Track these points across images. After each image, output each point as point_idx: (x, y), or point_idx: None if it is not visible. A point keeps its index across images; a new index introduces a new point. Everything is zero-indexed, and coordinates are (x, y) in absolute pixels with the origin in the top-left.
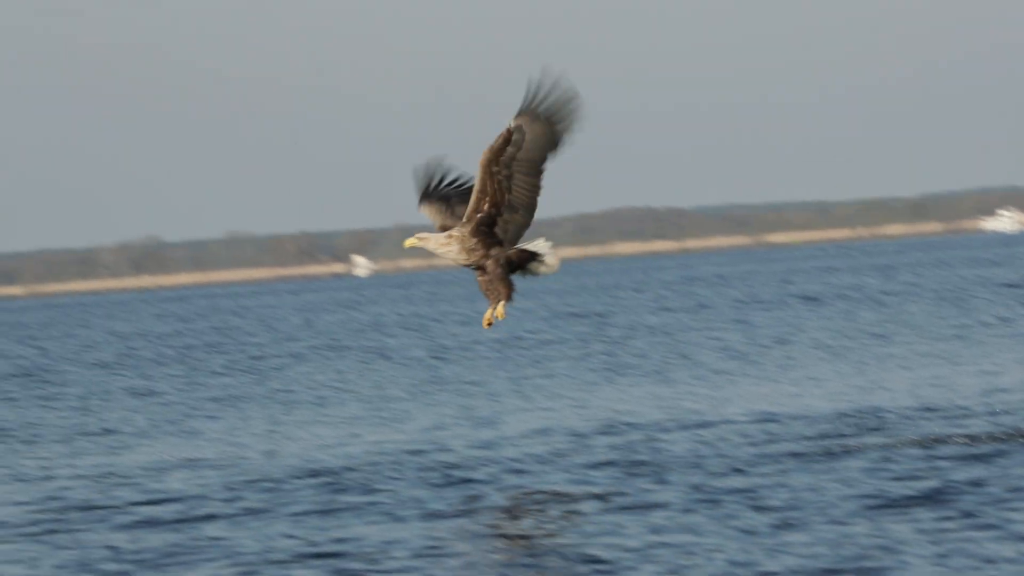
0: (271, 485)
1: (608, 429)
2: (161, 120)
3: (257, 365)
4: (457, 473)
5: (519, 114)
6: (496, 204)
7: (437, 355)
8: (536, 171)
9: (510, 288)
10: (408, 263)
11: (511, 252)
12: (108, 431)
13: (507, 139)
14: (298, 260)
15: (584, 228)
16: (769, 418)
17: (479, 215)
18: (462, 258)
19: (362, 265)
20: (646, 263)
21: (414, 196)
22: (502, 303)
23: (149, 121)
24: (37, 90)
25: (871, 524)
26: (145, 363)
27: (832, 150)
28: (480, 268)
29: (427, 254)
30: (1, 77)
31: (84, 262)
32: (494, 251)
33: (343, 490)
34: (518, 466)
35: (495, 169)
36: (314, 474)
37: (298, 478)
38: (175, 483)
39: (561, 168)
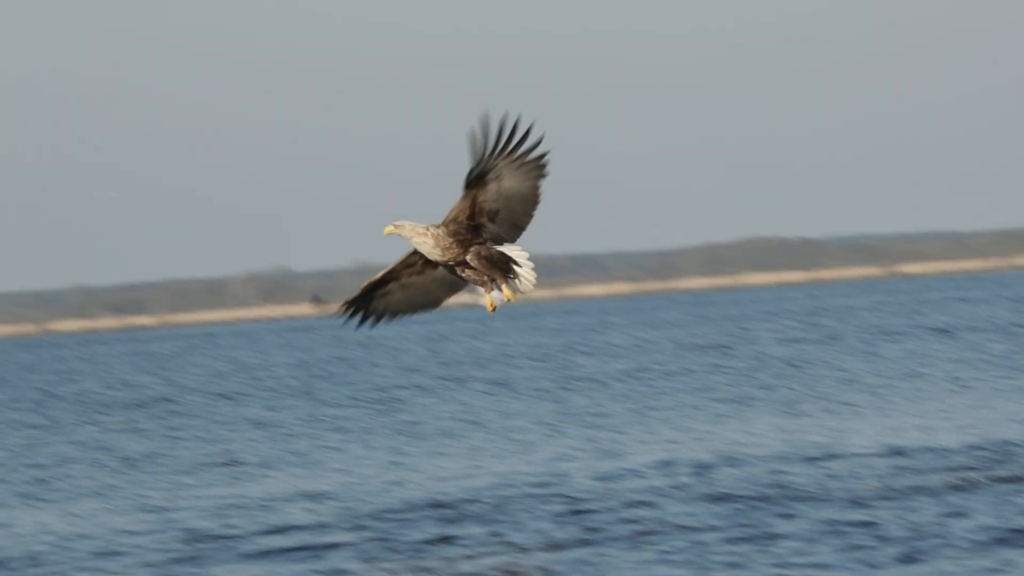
0: (393, 516)
1: (732, 461)
2: (288, 151)
3: (382, 396)
4: (579, 505)
5: (481, 162)
6: (476, 226)
7: (563, 386)
8: (526, 203)
9: (506, 269)
10: (537, 293)
11: (492, 251)
12: (233, 462)
13: (480, 178)
14: None
15: (713, 258)
16: (896, 451)
17: (455, 225)
18: (436, 254)
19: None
20: (775, 293)
21: (540, 226)
22: (507, 287)
23: (277, 151)
24: (165, 124)
25: (996, 558)
26: (270, 393)
27: (967, 180)
28: (460, 264)
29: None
30: (131, 110)
31: (213, 292)
32: (474, 248)
33: (464, 521)
34: (640, 498)
35: (480, 200)
36: (436, 505)
37: (420, 509)
38: (298, 513)
39: (690, 197)
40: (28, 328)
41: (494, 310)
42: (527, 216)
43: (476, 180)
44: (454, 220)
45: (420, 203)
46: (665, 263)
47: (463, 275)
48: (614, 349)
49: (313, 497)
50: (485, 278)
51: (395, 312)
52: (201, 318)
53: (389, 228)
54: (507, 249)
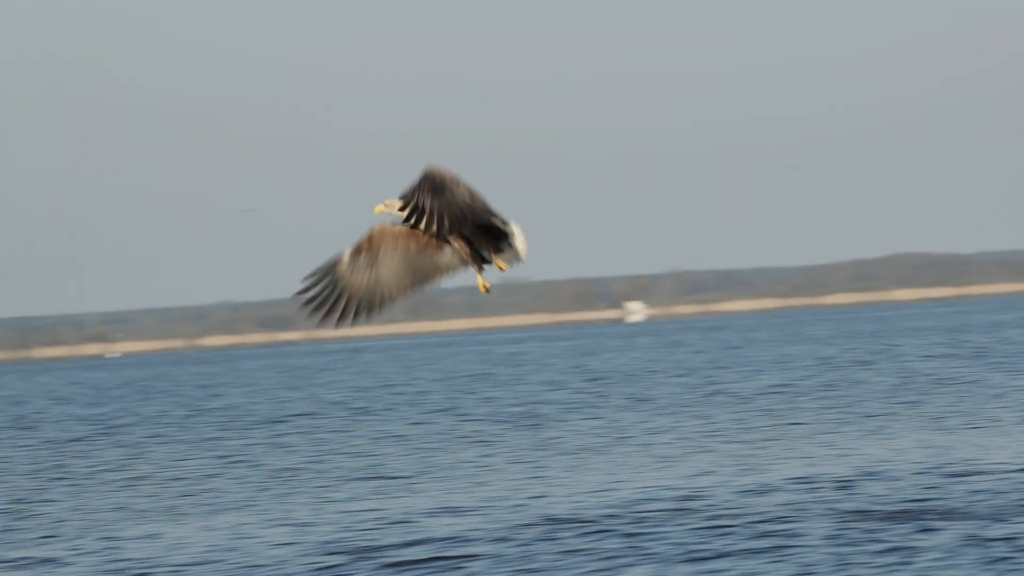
0: (533, 530)
1: (875, 476)
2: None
3: (525, 411)
4: (719, 520)
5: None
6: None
7: (706, 402)
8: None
9: (496, 241)
10: (683, 309)
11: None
12: (376, 476)
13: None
14: (573, 306)
15: (861, 275)
16: None
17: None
18: (422, 232)
19: (636, 311)
20: (922, 309)
21: (687, 241)
22: (499, 260)
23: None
24: (311, 141)
25: None
26: (413, 408)
27: None
28: (447, 243)
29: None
30: (274, 126)
31: None
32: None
33: (603, 535)
34: (782, 513)
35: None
36: (576, 520)
37: (560, 523)
38: (439, 527)
39: (838, 213)
40: (178, 343)
41: (487, 291)
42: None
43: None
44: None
45: (567, 219)
46: (812, 279)
47: (454, 246)
48: (758, 364)
49: (454, 511)
50: (471, 257)
51: (382, 295)
52: (347, 333)
53: (379, 208)
54: (496, 222)
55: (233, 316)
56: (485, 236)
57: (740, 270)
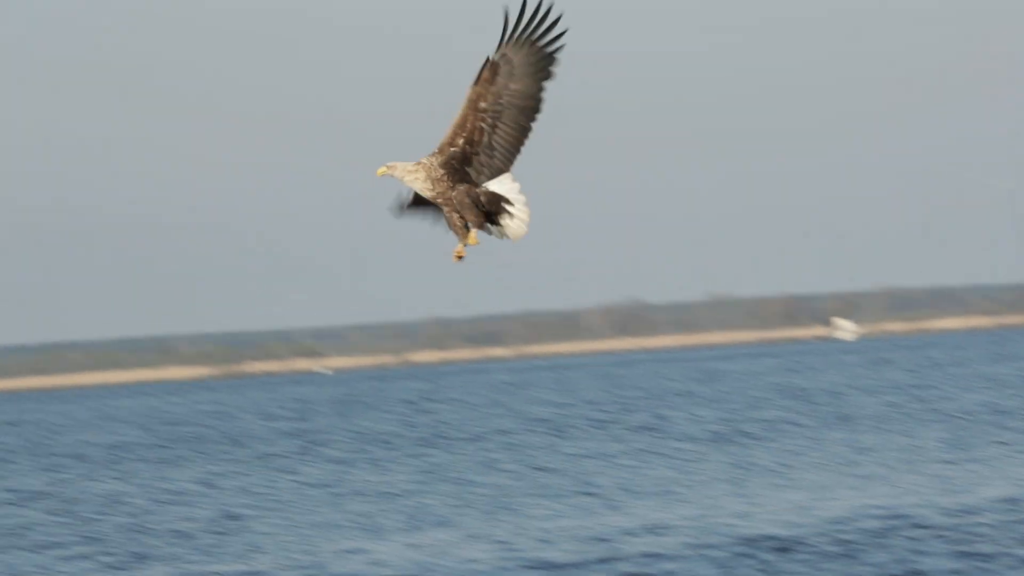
0: (737, 550)
1: None
2: (585, 182)
3: (728, 430)
4: (923, 541)
5: (501, 45)
6: (472, 143)
7: (914, 420)
8: (527, 109)
9: (481, 216)
10: (894, 326)
11: (480, 191)
12: (579, 493)
13: (494, 71)
14: (781, 323)
15: None
16: None
17: (452, 149)
18: (427, 188)
19: (846, 328)
20: None
21: (901, 256)
22: (473, 232)
23: (618, 184)
24: None
25: None
26: (617, 427)
27: None
28: (447, 203)
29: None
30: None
31: (568, 324)
32: (462, 186)
33: (810, 555)
34: (986, 532)
35: (482, 106)
36: (775, 539)
37: (758, 542)
38: (642, 543)
39: None
40: (387, 359)
41: (460, 259)
42: (526, 126)
43: (489, 71)
44: (449, 143)
45: (777, 234)
46: None
47: (445, 216)
48: (966, 383)
49: (655, 529)
50: (459, 224)
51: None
52: (555, 350)
53: (381, 170)
54: (499, 187)
55: (442, 331)
56: (488, 204)
57: (951, 287)
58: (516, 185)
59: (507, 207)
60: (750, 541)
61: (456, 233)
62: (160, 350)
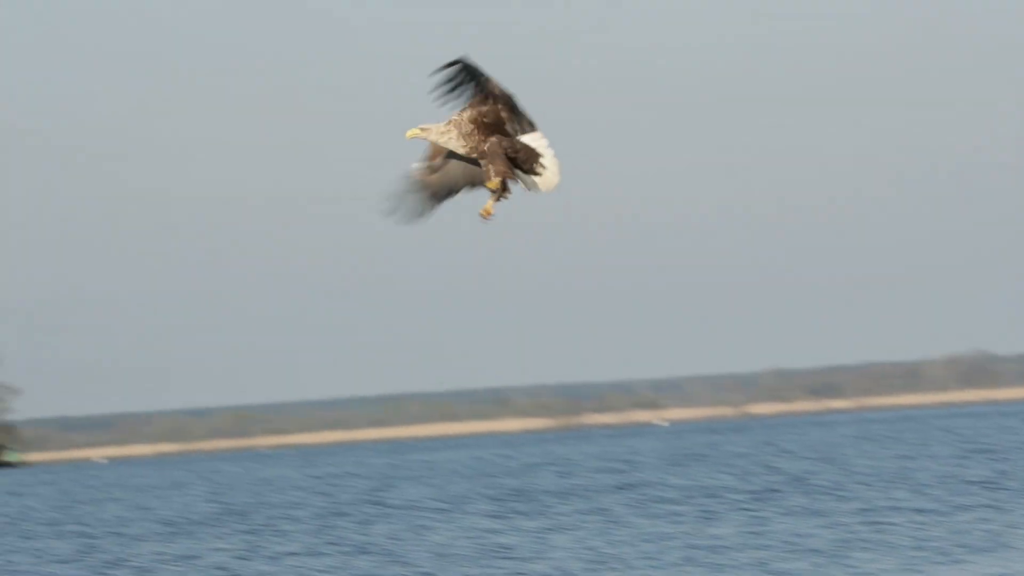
0: None
1: None
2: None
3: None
4: None
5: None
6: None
7: None
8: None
9: (509, 166)
10: None
11: (514, 143)
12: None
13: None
14: None
15: None
16: None
17: (483, 107)
18: (460, 145)
19: None
20: None
21: None
22: (497, 179)
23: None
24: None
25: None
26: (955, 481)
27: None
28: (481, 155)
29: None
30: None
31: (911, 375)
32: (493, 137)
33: None
34: None
35: (483, 110)
36: None
37: None
38: None
39: None
40: (726, 411)
41: (488, 216)
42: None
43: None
44: (480, 102)
45: None
46: None
47: (485, 169)
48: None
49: None
50: (492, 173)
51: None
52: (897, 402)
53: (413, 131)
54: (531, 140)
55: (781, 383)
56: (521, 155)
57: None
58: (544, 141)
59: (539, 159)
60: None
61: (494, 185)
62: (496, 401)
